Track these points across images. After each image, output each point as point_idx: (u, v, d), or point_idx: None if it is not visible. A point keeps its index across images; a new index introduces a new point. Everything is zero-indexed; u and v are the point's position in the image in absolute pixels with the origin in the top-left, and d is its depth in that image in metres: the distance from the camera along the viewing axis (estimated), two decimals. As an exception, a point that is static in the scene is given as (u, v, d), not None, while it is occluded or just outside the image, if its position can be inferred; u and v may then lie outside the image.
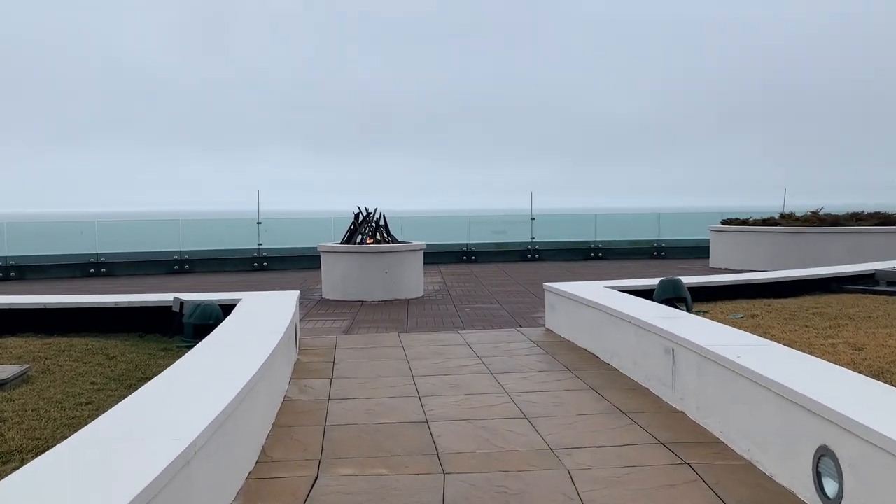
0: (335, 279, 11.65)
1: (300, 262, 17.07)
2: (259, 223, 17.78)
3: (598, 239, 19.59)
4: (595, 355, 7.07)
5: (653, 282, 8.88)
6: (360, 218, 12.29)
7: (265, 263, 17.55)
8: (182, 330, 7.44)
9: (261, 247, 17.66)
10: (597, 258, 19.35)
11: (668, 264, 17.72)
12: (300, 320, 9.42)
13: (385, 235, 12.23)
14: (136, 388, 4.22)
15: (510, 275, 15.59)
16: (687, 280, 8.84)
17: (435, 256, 18.15)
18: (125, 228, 18.88)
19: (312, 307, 10.88)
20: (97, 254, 16.40)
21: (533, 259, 19.05)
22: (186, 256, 17.02)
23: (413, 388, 5.94)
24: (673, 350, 5.49)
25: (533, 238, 19.27)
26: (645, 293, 8.22)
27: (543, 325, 8.78)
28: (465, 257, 18.71)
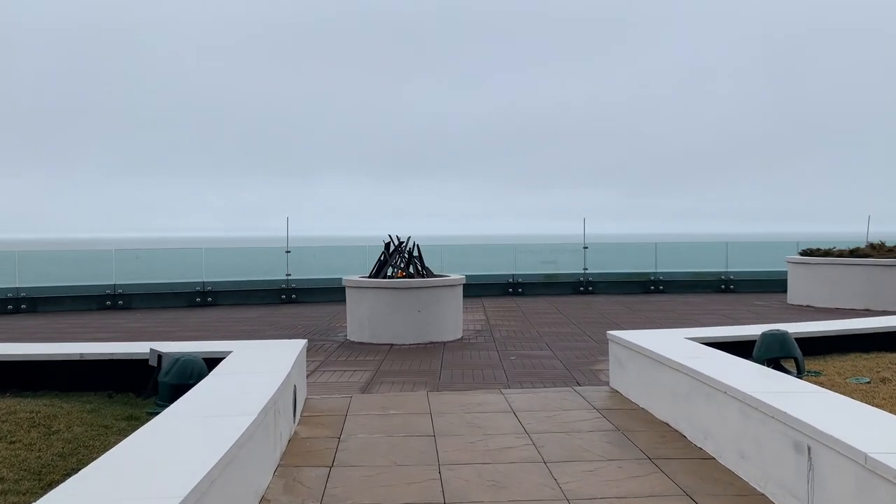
0: (361, 318, 10.16)
1: (332, 293, 15.62)
2: (288, 252, 16.45)
3: (658, 270, 17.76)
4: (681, 434, 5.39)
5: (746, 331, 7.17)
6: (391, 248, 10.81)
7: (294, 296, 16.19)
8: (157, 389, 6.00)
9: (289, 277, 16.32)
10: (657, 291, 17.52)
11: (740, 300, 15.81)
12: (313, 371, 7.94)
13: (419, 268, 10.72)
14: (55, 487, 2.88)
15: (561, 311, 13.91)
16: (789, 328, 7.08)
17: (478, 288, 16.58)
18: (147, 257, 17.79)
19: (333, 352, 9.39)
20: (114, 285, 15.25)
21: (586, 292, 17.32)
22: (209, 288, 15.77)
23: (438, 485, 4.36)
24: (809, 448, 3.81)
25: (586, 269, 17.55)
26: (738, 346, 6.52)
27: (607, 385, 7.12)
28: (510, 289, 17.09)
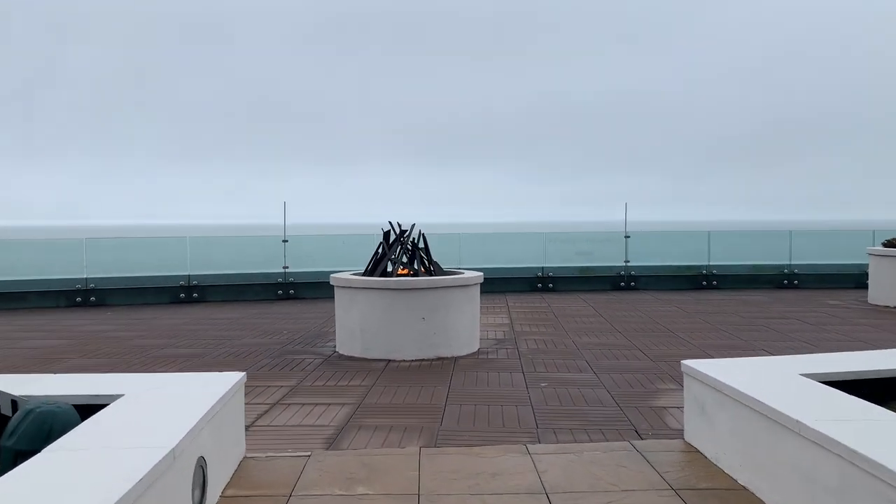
0: (351, 327, 8.06)
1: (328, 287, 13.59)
2: (285, 241, 14.42)
3: (711, 263, 15.42)
4: (830, 557, 3.21)
5: (879, 361, 4.92)
6: (392, 238, 8.69)
7: (291, 291, 14.17)
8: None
9: (287, 270, 14.29)
10: (710, 287, 15.20)
11: (809, 299, 13.45)
12: (275, 404, 5.88)
13: (427, 263, 8.59)
14: None
15: (601, 312, 11.69)
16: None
17: (501, 284, 14.43)
18: (127, 246, 15.88)
19: (312, 371, 7.31)
20: (86, 279, 13.35)
21: (628, 287, 15.06)
22: (195, 282, 13.79)
23: None
24: None
25: (627, 261, 15.27)
26: (870, 384, 4.33)
27: (681, 437, 4.94)
28: (539, 284, 14.89)
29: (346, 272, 8.67)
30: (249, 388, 6.54)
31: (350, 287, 8.05)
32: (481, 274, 8.50)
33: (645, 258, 15.54)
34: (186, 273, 13.85)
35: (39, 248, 15.95)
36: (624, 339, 9.09)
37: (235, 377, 4.60)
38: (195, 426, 3.55)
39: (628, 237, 15.30)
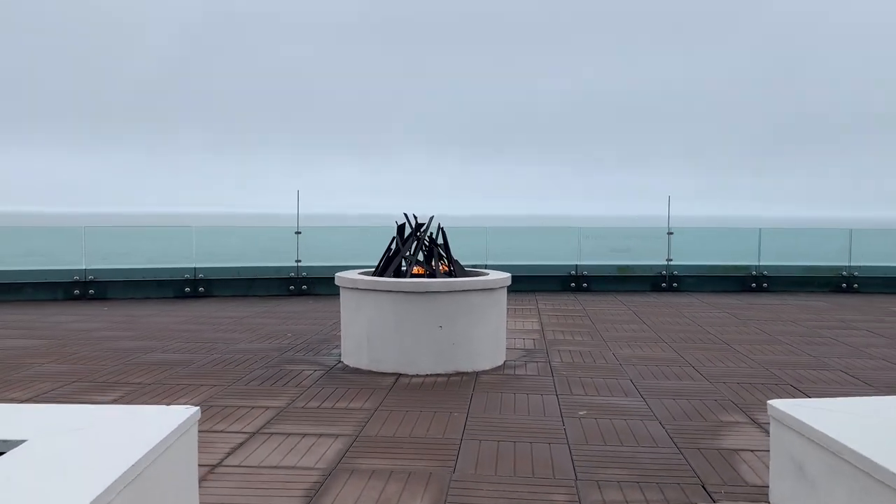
0: (358, 335, 6.97)
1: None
2: (298, 233, 13.39)
3: (762, 263, 14.09)
4: None
5: None
6: (407, 232, 7.59)
7: (304, 287, 13.16)
8: None
9: (299, 264, 13.26)
10: (760, 289, 13.89)
11: (871, 304, 12.12)
12: (254, 434, 4.81)
13: (447, 261, 7.48)
14: None
15: (642, 317, 10.49)
16: None
17: (531, 282, 13.29)
18: (130, 236, 14.95)
19: (309, 388, 6.24)
20: (84, 270, 12.44)
21: (669, 289, 13.80)
22: (201, 276, 12.83)
23: None
24: None
25: (669, 259, 14.00)
26: None
27: (764, 500, 3.78)
28: (573, 284, 13.70)
29: (353, 271, 7.58)
30: (230, 410, 5.49)
31: (356, 288, 6.95)
32: (508, 275, 7.35)
33: (688, 257, 14.26)
34: (192, 266, 12.89)
35: (39, 236, 15.10)
36: (672, 352, 7.89)
37: (182, 415, 3.53)
38: (103, 494, 2.49)
39: (671, 233, 14.03)
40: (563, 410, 5.57)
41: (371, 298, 6.83)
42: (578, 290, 13.67)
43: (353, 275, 7.23)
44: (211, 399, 5.84)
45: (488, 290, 6.95)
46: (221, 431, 4.95)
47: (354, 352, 7.02)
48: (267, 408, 5.57)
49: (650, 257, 14.15)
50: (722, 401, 5.87)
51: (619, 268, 13.82)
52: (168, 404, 5.66)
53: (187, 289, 12.76)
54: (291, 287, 13.15)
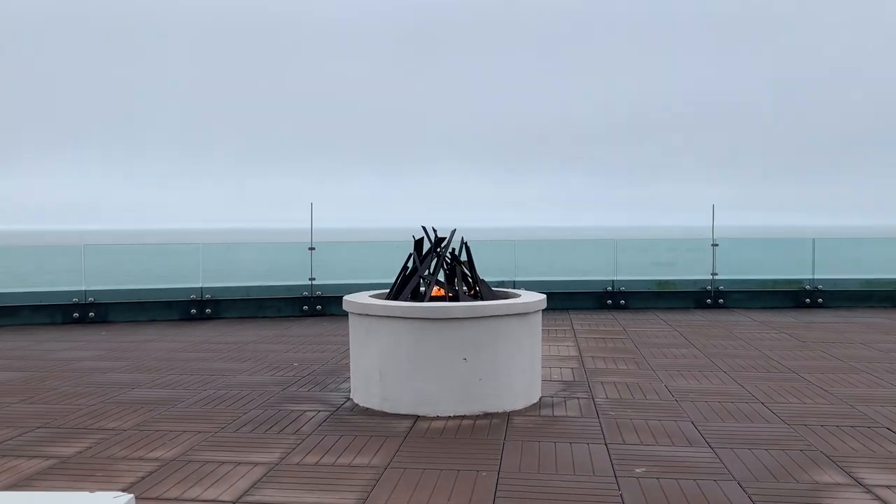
0: (368, 367, 5.99)
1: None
2: (311, 249, 12.48)
3: (815, 276, 12.91)
4: None
5: None
6: (425, 247, 6.61)
7: (319, 307, 12.23)
8: None
9: (313, 283, 12.35)
10: (814, 305, 12.70)
11: (948, 321, 10.88)
12: (235, 501, 3.85)
13: (471, 281, 6.49)
14: None
15: (690, 339, 9.41)
16: None
17: (564, 299, 12.26)
18: (134, 254, 14.16)
19: (309, 436, 5.27)
20: (84, 291, 11.63)
21: (715, 305, 12.67)
22: (208, 296, 11.96)
23: None
24: None
25: (715, 274, 12.87)
26: None
27: None
28: (609, 301, 12.63)
29: (364, 293, 6.61)
30: (211, 467, 4.54)
31: (367, 315, 5.98)
32: (543, 297, 6.33)
33: (734, 270, 13.12)
34: (199, 285, 12.03)
35: (38, 256, 14.35)
36: (734, 384, 6.81)
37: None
38: None
39: (716, 245, 12.90)
40: (615, 466, 4.53)
41: (383, 326, 5.85)
42: (615, 307, 12.58)
43: (362, 298, 6.26)
44: (191, 451, 4.89)
45: (521, 314, 5.94)
46: (192, 500, 3.99)
47: (364, 388, 6.04)
48: (255, 464, 4.60)
49: (692, 271, 13.04)
50: (810, 451, 4.79)
51: (659, 283, 12.72)
52: (141, 457, 4.74)
53: (193, 310, 11.89)
54: (305, 307, 12.23)
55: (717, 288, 12.76)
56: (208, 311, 11.93)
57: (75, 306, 11.56)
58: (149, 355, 8.62)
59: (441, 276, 6.59)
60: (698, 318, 11.52)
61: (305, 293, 12.30)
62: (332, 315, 12.05)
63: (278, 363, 8.04)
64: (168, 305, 11.90)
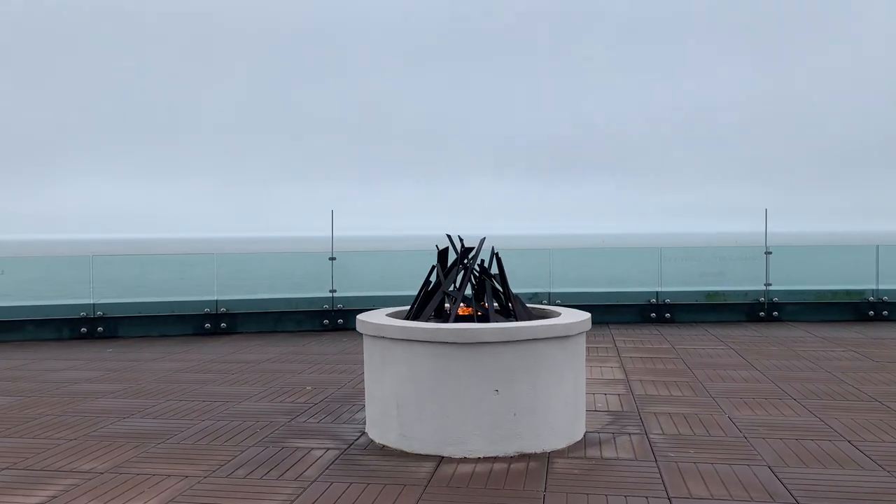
0: (385, 398, 5.16)
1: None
2: (332, 259, 11.73)
3: (881, 287, 11.82)
4: None
5: None
6: (448, 258, 5.78)
7: (340, 321, 11.47)
8: None
9: (334, 295, 11.59)
10: (879, 318, 11.62)
11: None
12: None
13: (504, 297, 5.63)
14: None
15: (749, 358, 8.44)
16: None
17: (603, 312, 11.36)
18: (145, 266, 13.49)
19: (309, 485, 4.45)
20: (93, 305, 10.99)
21: (769, 318, 11.65)
22: (223, 309, 11.25)
23: None
24: None
25: (768, 284, 11.85)
26: None
27: None
28: (653, 314, 11.67)
29: (381, 311, 5.79)
30: (187, 528, 3.73)
31: (382, 337, 5.16)
32: (587, 316, 5.45)
33: (789, 280, 12.08)
34: (213, 298, 11.34)
35: (49, 267, 13.78)
36: (809, 415, 5.86)
37: None
38: None
39: (770, 253, 11.88)
40: (684, 531, 3.64)
41: (401, 350, 5.03)
42: (660, 321, 11.62)
43: (378, 317, 5.44)
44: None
45: (562, 337, 5.07)
46: (156, 579, 3.19)
47: (380, 421, 5.21)
48: (242, 523, 3.80)
49: (744, 281, 12.03)
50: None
51: (708, 294, 11.72)
52: (111, 511, 3.96)
53: (207, 324, 11.19)
54: (325, 321, 11.47)
55: (772, 299, 11.72)
56: (223, 325, 11.22)
57: (83, 321, 10.92)
58: (151, 376, 7.90)
59: (468, 291, 5.75)
60: (752, 333, 10.51)
61: (326, 306, 11.54)
62: (353, 330, 11.26)
63: (290, 387, 7.26)
64: (181, 319, 11.22)
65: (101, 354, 9.53)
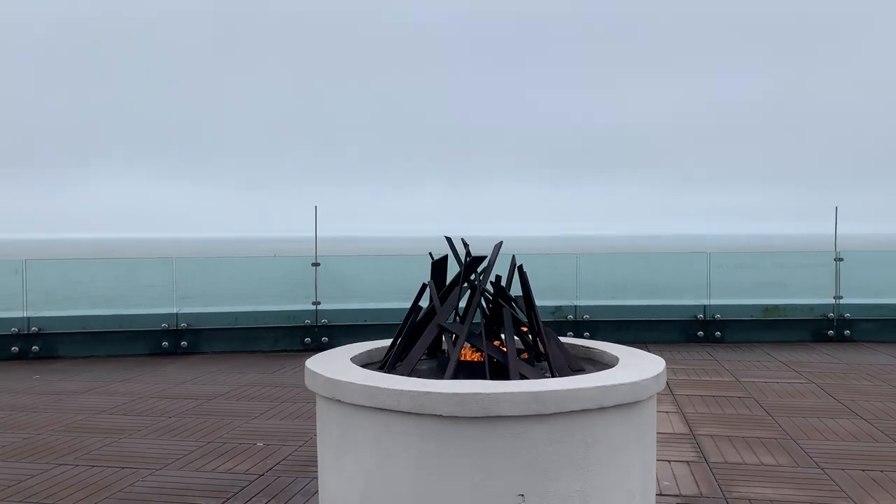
0: (346, 497, 3.25)
1: (386, 332, 8.90)
2: (316, 265, 9.86)
3: (974, 300, 9.83)
4: None
5: None
6: (452, 273, 3.86)
7: (325, 339, 9.60)
8: None
9: (318, 308, 9.71)
10: (972, 339, 9.63)
11: None
12: None
13: (532, 337, 3.71)
14: None
15: (838, 396, 6.51)
16: None
17: (640, 329, 9.49)
18: (93, 272, 11.59)
19: None
20: (27, 318, 9.17)
21: (840, 338, 9.69)
22: (185, 324, 9.39)
23: None
24: None
25: (839, 297, 9.88)
26: None
27: None
28: (700, 331, 9.73)
29: (351, 348, 3.91)
30: None
31: (339, 401, 3.25)
32: (662, 367, 3.50)
33: (860, 291, 10.12)
34: (173, 311, 9.49)
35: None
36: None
37: None
38: None
39: (841, 260, 9.91)
40: None
41: (370, 423, 3.13)
42: (709, 339, 9.67)
43: (338, 364, 3.54)
44: None
45: (629, 405, 3.15)
46: None
47: (339, 531, 3.31)
48: None
49: (807, 293, 10.06)
50: None
51: (766, 309, 9.76)
52: None
53: (165, 343, 9.34)
54: (307, 339, 9.60)
55: (842, 315, 9.75)
56: (184, 344, 9.37)
57: (15, 337, 9.10)
58: (57, 421, 6.05)
59: (476, 319, 3.84)
60: (825, 357, 8.57)
61: (308, 321, 9.67)
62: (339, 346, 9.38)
63: (236, 441, 5.39)
64: (134, 337, 9.37)
65: (23, 383, 7.69)
